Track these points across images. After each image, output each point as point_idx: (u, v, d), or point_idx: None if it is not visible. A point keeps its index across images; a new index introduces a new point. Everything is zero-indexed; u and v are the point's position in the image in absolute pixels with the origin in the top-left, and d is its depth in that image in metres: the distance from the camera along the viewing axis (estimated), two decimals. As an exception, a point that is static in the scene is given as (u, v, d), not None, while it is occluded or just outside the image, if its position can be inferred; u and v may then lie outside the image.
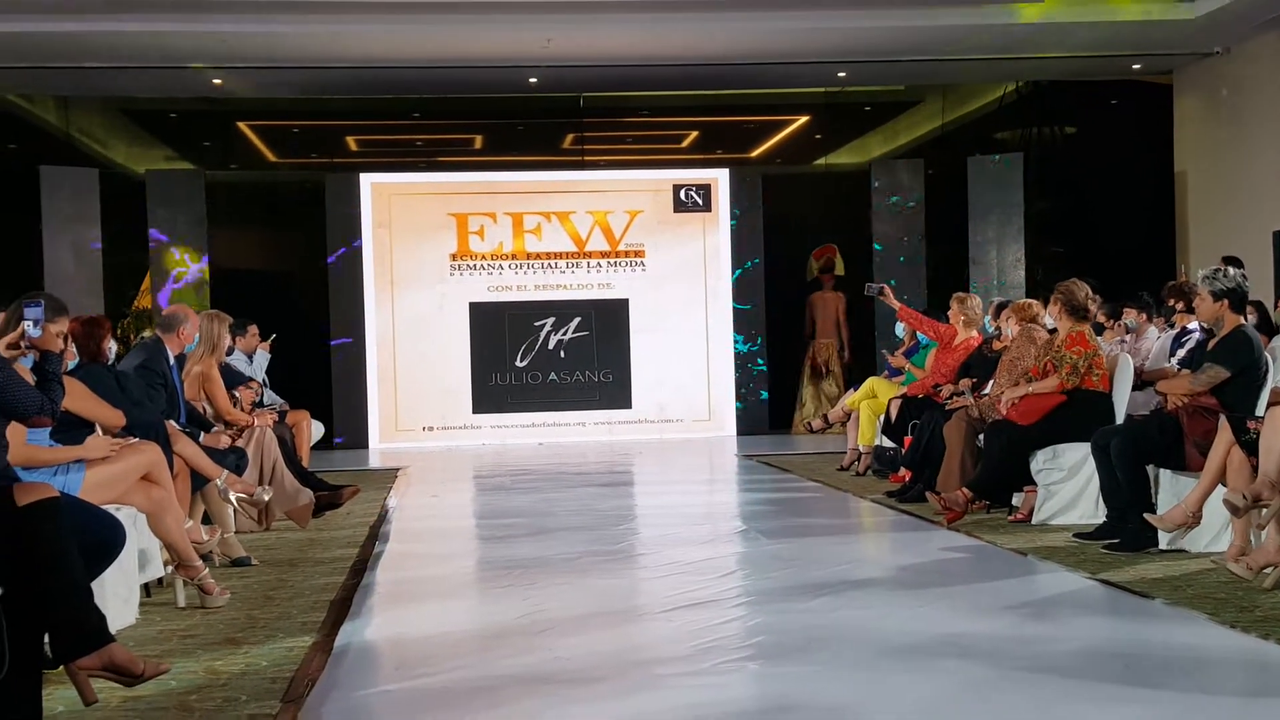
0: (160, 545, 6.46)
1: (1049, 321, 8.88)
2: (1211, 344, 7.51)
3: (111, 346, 7.31)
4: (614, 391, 16.45)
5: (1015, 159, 17.00)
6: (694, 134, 19.14)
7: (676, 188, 16.64)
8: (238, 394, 9.62)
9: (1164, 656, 5.17)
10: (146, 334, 12.46)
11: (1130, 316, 10.95)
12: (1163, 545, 7.21)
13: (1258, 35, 15.02)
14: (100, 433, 6.50)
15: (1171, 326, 10.69)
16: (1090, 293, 8.74)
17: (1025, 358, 8.92)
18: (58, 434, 6.08)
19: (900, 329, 12.27)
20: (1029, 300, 9.91)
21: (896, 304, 11.43)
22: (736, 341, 16.28)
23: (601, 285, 16.47)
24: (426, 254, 16.27)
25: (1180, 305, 10.40)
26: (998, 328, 10.19)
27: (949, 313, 10.97)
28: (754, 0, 14.04)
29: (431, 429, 16.21)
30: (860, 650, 5.30)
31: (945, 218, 16.97)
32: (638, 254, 16.51)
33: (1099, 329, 11.59)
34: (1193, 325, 10.02)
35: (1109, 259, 16.45)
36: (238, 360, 11.11)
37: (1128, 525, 7.37)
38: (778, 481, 11.66)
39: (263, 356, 12.03)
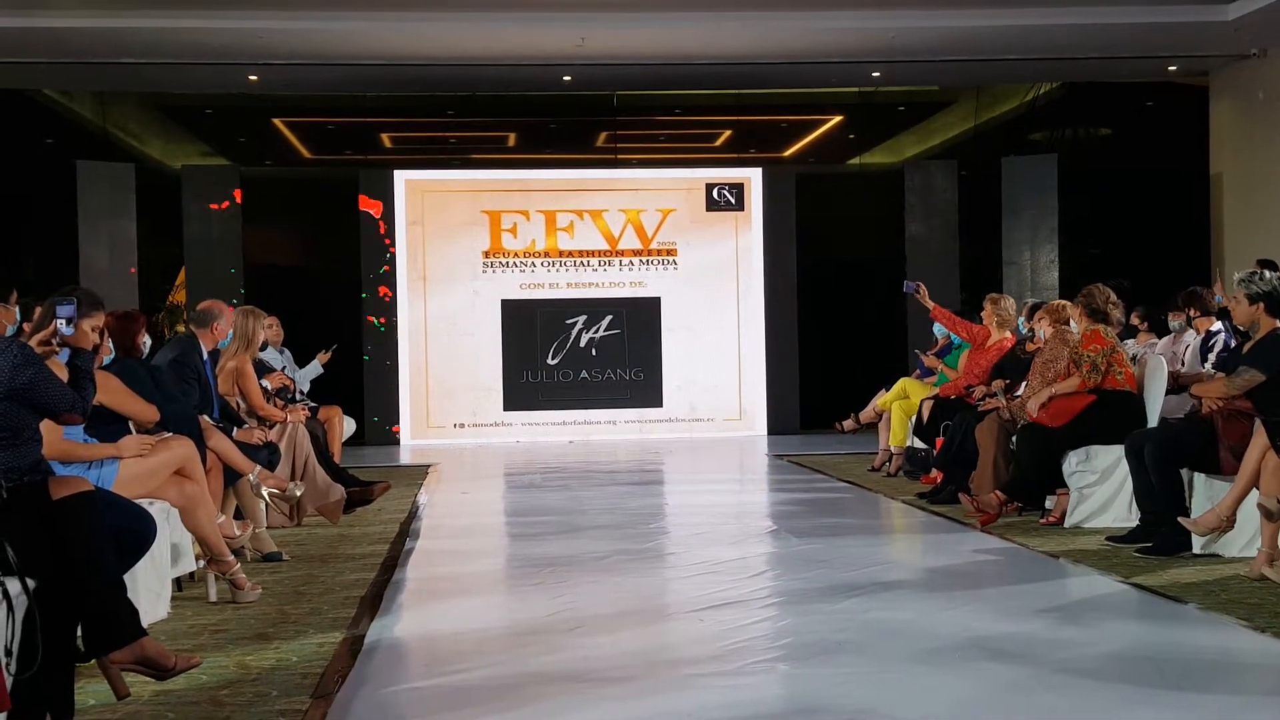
0: (192, 540, 6.49)
1: (1073, 326, 8.85)
2: (1247, 347, 7.46)
3: (146, 341, 7.34)
4: (645, 390, 16.45)
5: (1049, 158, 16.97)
6: (727, 133, 19.12)
7: (709, 186, 16.63)
8: (267, 383, 9.65)
9: (1196, 661, 5.15)
10: (180, 329, 12.52)
11: (1177, 319, 10.87)
12: (1196, 549, 7.17)
13: (1295, 37, 14.94)
14: (134, 430, 6.53)
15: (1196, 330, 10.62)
16: (1113, 297, 8.72)
17: (1059, 360, 8.87)
18: (93, 428, 6.11)
19: (938, 329, 12.22)
20: (1061, 301, 9.86)
21: (930, 303, 11.39)
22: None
23: (633, 284, 16.47)
24: (459, 251, 16.30)
25: (1195, 311, 10.33)
26: (1030, 329, 10.15)
27: (982, 313, 10.93)
28: (788, 0, 14.00)
29: (463, 426, 16.24)
30: (890, 652, 5.29)
31: (978, 218, 16.92)
32: (670, 252, 16.51)
33: (1133, 331, 11.54)
34: (1216, 326, 9.95)
35: (1143, 261, 16.37)
36: (270, 355, 11.15)
37: (1161, 529, 7.33)
38: (808, 482, 11.64)
39: (315, 368, 12.05)
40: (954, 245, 16.82)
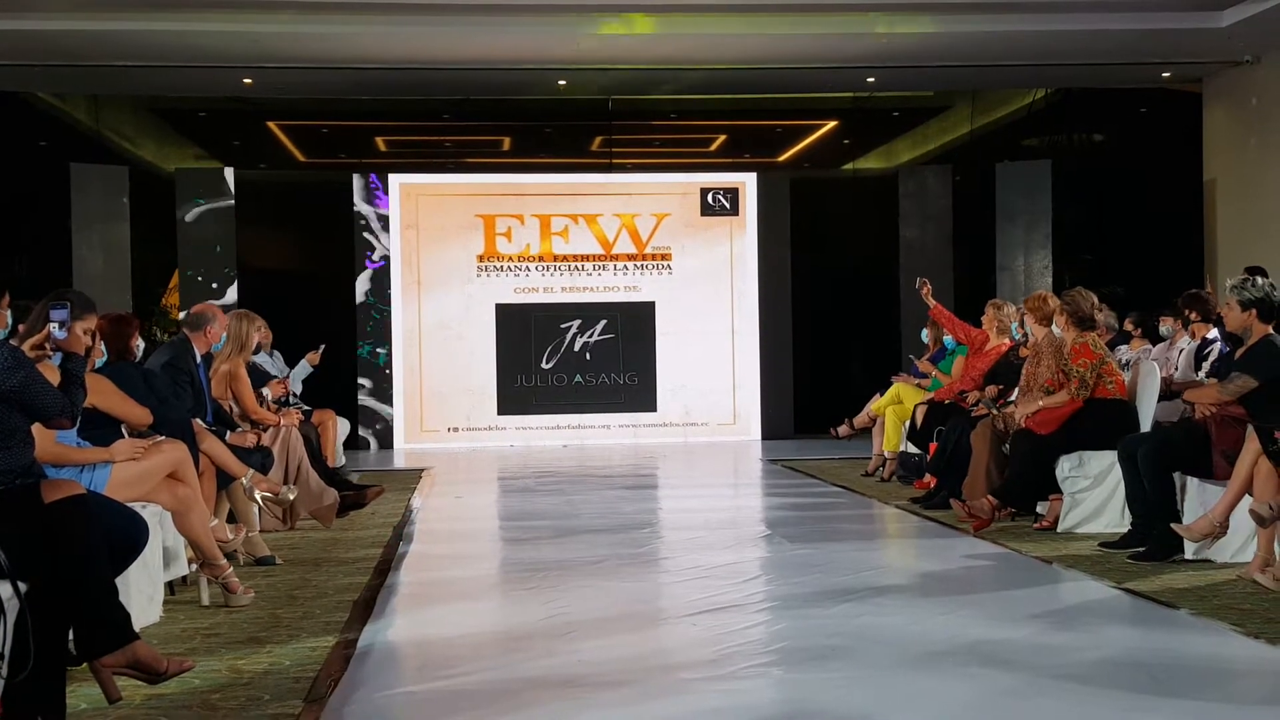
0: (185, 543, 6.49)
1: (1057, 332, 8.82)
2: (1239, 353, 7.47)
3: (139, 344, 7.34)
4: (639, 394, 16.46)
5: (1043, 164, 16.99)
6: (722, 138, 19.12)
7: (704, 191, 16.64)
8: (266, 390, 9.67)
9: (1188, 667, 5.15)
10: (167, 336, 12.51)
11: (1167, 324, 10.86)
12: (1188, 555, 7.18)
13: (1288, 44, 14.96)
14: (126, 433, 6.53)
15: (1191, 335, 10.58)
16: (1095, 301, 8.70)
17: (1053, 371, 8.83)
18: (85, 432, 6.10)
19: (926, 335, 12.25)
20: (1044, 294, 9.73)
21: (932, 301, 11.43)
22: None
23: (628, 288, 16.47)
24: (453, 255, 16.30)
25: (1196, 315, 10.28)
26: (1024, 334, 10.14)
27: (983, 318, 10.94)
28: (783, 5, 14.00)
29: (457, 430, 16.23)
30: (883, 657, 5.29)
31: (973, 224, 16.93)
32: (664, 257, 16.52)
33: (1126, 337, 11.54)
34: (1212, 334, 9.95)
35: (1136, 267, 16.39)
36: (260, 358, 11.14)
37: (1153, 534, 7.34)
38: (802, 486, 11.64)
39: (305, 367, 12.04)
40: (948, 250, 16.83)
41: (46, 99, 17.13)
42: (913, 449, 11.15)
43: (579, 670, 5.20)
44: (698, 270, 16.53)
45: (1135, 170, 17.58)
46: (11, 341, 4.94)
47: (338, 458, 11.88)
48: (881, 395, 11.95)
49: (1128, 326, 11.65)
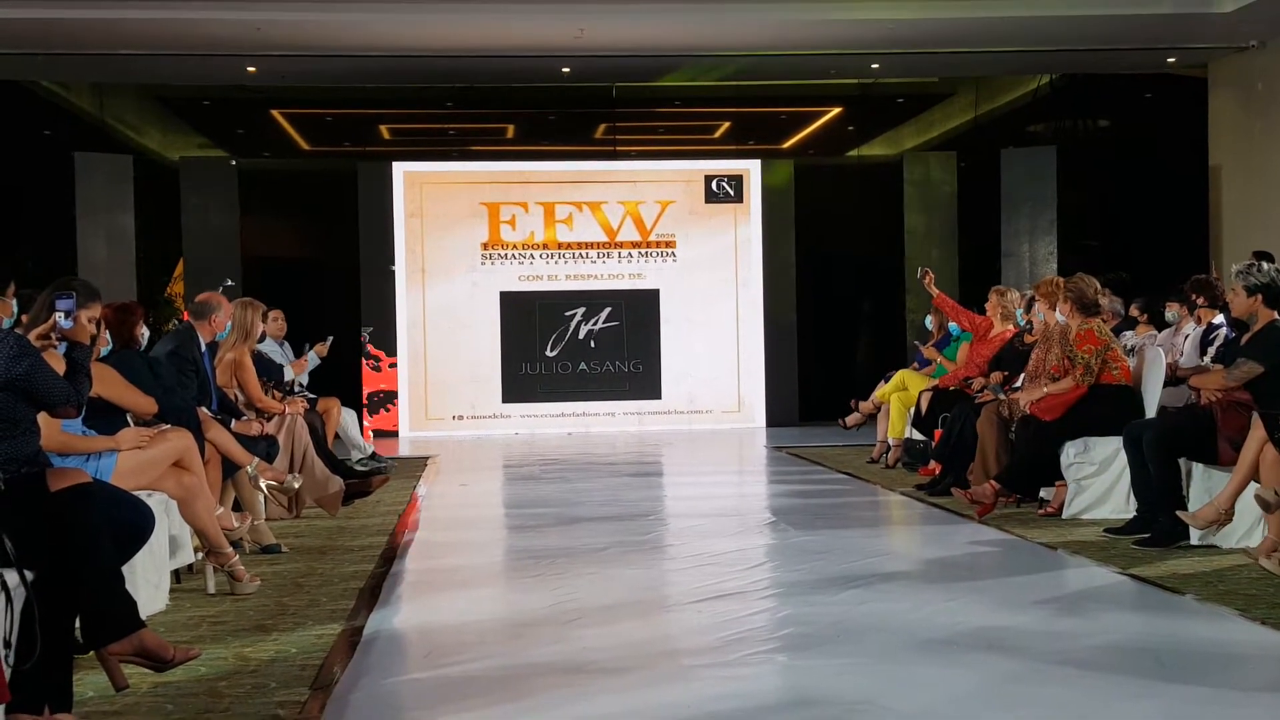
0: (191, 532, 6.50)
1: (1059, 318, 8.80)
2: (1245, 339, 7.46)
3: (144, 333, 7.34)
4: (644, 382, 16.45)
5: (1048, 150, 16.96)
6: (726, 125, 19.09)
7: (708, 178, 16.62)
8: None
9: (1194, 652, 5.15)
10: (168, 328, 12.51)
11: (1172, 310, 10.84)
12: (1194, 540, 7.18)
13: (1293, 29, 14.92)
14: (132, 421, 6.54)
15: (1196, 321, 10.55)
16: (1099, 287, 8.70)
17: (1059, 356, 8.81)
18: (91, 420, 6.11)
19: (928, 321, 12.26)
20: (1056, 278, 9.70)
21: (935, 290, 11.43)
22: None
23: (632, 275, 16.46)
24: (458, 243, 16.28)
25: (1203, 300, 10.25)
26: (1029, 321, 10.13)
27: (987, 305, 10.94)
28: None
29: (461, 418, 16.23)
30: (888, 643, 5.29)
31: (977, 210, 16.91)
32: (669, 244, 16.50)
33: (1131, 323, 11.53)
34: (1218, 320, 9.93)
35: (1142, 253, 16.37)
36: (270, 348, 11.14)
37: (1159, 520, 7.33)
38: (807, 473, 11.64)
39: (313, 359, 12.03)
40: (953, 237, 16.81)
41: (50, 88, 17.13)
42: (918, 435, 11.15)
43: (584, 657, 5.20)
44: (702, 257, 16.50)
45: (1140, 156, 17.55)
46: (17, 330, 4.94)
47: (363, 447, 11.90)
48: (886, 382, 11.95)
49: (1133, 312, 11.63)
